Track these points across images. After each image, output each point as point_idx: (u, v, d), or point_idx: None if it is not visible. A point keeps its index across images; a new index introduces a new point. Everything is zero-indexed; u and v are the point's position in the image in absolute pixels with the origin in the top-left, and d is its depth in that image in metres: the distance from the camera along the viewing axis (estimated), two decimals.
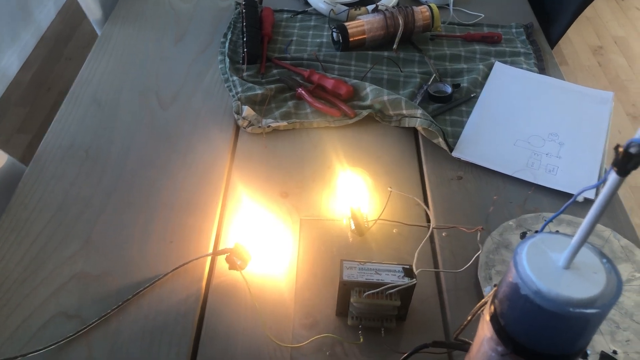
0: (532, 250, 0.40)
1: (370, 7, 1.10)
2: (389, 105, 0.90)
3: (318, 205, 0.78)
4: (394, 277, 0.61)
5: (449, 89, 0.94)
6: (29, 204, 0.77)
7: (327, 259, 0.71)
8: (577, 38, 2.54)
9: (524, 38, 1.10)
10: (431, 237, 0.75)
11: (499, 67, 1.01)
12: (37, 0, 2.36)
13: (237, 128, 0.90)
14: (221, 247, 0.71)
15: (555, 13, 1.27)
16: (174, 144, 0.86)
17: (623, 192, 1.89)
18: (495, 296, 0.43)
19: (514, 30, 1.12)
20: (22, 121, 2.09)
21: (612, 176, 0.35)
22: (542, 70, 1.02)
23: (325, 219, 0.76)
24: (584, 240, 0.38)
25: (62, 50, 2.35)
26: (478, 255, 0.70)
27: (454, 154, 0.85)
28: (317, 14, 1.14)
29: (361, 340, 0.62)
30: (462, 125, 0.90)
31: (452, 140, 0.87)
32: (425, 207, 0.78)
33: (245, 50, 1.00)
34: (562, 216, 0.76)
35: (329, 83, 0.94)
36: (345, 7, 1.10)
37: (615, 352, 0.62)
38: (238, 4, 1.14)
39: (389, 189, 0.79)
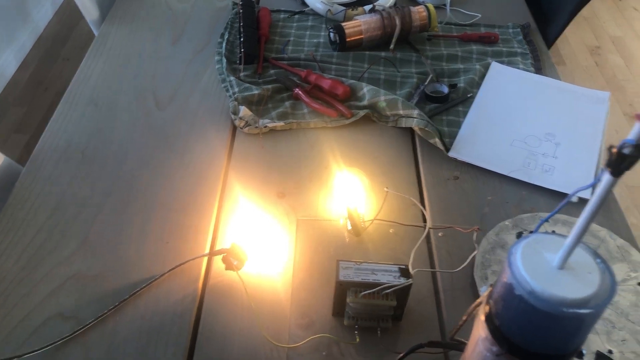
0: (527, 250, 0.40)
1: (368, 8, 1.10)
2: (385, 105, 0.90)
3: (315, 206, 0.78)
4: (390, 277, 0.61)
5: (446, 89, 0.95)
6: (26, 204, 0.77)
7: (323, 259, 0.71)
8: (574, 38, 2.55)
9: (520, 38, 1.10)
10: (427, 237, 0.75)
11: (495, 67, 1.01)
12: (34, 0, 2.36)
13: (234, 128, 0.90)
14: (218, 247, 0.71)
15: (552, 13, 1.27)
16: (171, 144, 0.86)
17: (619, 192, 1.89)
18: (490, 296, 0.44)
19: (510, 30, 1.12)
20: (19, 121, 2.09)
21: (606, 177, 0.35)
22: (538, 70, 1.02)
23: (322, 219, 0.76)
24: (578, 241, 0.38)
25: (60, 51, 2.35)
26: (474, 255, 0.70)
27: (451, 154, 0.85)
28: (315, 14, 1.14)
29: (357, 340, 0.62)
30: (458, 125, 0.90)
31: (448, 140, 0.87)
32: (421, 207, 0.78)
33: (242, 50, 1.00)
34: (558, 216, 0.76)
35: (326, 83, 0.94)
36: (343, 8, 1.10)
37: (610, 351, 0.62)
38: (235, 4, 1.14)
39: (385, 189, 0.80)
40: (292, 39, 1.08)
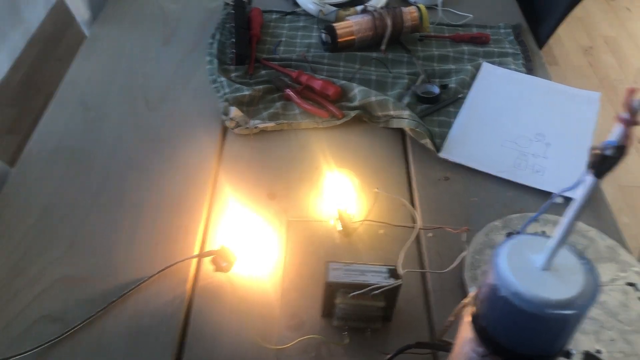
0: (512, 251, 0.40)
1: (359, 8, 1.10)
2: (376, 106, 0.90)
3: (305, 207, 0.78)
4: (379, 278, 0.61)
5: (437, 90, 0.95)
6: (14, 205, 0.76)
7: (313, 260, 0.71)
8: (568, 38, 2.56)
9: (512, 38, 1.10)
10: (417, 237, 0.75)
11: (486, 68, 1.01)
12: (26, 0, 2.35)
13: (225, 129, 0.89)
14: (207, 248, 0.71)
15: (544, 13, 1.28)
16: (161, 145, 0.86)
17: (613, 192, 1.90)
18: (476, 297, 0.44)
19: (502, 30, 1.12)
20: (11, 122, 2.08)
21: (589, 178, 0.35)
22: (530, 70, 1.03)
23: (312, 220, 0.76)
24: (561, 242, 0.38)
25: (53, 51, 2.34)
26: (464, 256, 0.70)
27: (441, 154, 0.85)
28: (306, 14, 1.14)
29: (347, 341, 0.62)
30: (449, 126, 0.90)
31: (439, 141, 0.87)
32: (411, 208, 0.78)
33: (233, 51, 1.00)
34: (549, 217, 0.76)
35: (317, 84, 0.94)
36: (334, 8, 1.10)
37: (599, 351, 0.63)
38: (227, 4, 1.14)
39: (375, 190, 0.79)
40: (283, 39, 1.08)
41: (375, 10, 1.05)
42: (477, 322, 0.43)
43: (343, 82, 0.95)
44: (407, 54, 1.04)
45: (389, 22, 1.02)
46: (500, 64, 1.02)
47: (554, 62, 2.39)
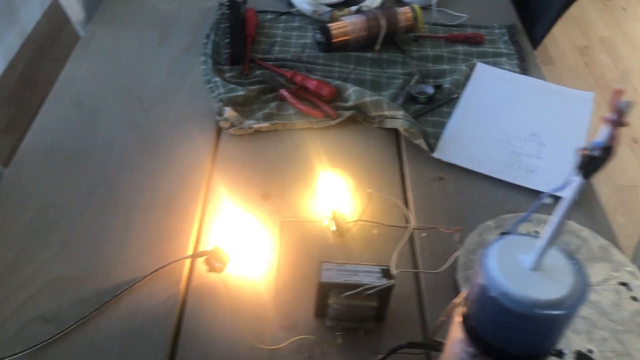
0: (501, 252, 0.40)
1: (354, 9, 1.10)
2: (370, 106, 0.90)
3: (299, 207, 0.78)
4: (372, 278, 0.61)
5: (431, 90, 0.95)
6: (7, 206, 0.76)
7: (307, 261, 0.71)
8: (563, 38, 2.56)
9: (506, 39, 1.10)
10: (411, 237, 0.75)
11: (481, 68, 1.01)
12: (21, 0, 2.34)
13: (219, 129, 0.89)
14: (201, 249, 0.71)
15: (538, 13, 1.28)
16: (155, 145, 0.86)
17: (608, 192, 1.90)
18: (466, 298, 0.44)
19: (496, 31, 1.12)
20: (7, 122, 2.07)
21: (576, 179, 0.35)
22: (524, 70, 1.03)
23: (306, 220, 0.76)
24: (550, 243, 0.38)
25: (49, 51, 2.34)
26: (457, 256, 0.70)
27: (435, 154, 0.85)
28: (301, 15, 1.14)
29: (340, 341, 0.63)
30: (443, 126, 0.90)
31: (433, 141, 0.88)
32: (404, 208, 0.78)
33: (228, 51, 1.00)
34: (542, 217, 0.77)
35: (311, 84, 0.94)
36: (329, 8, 1.11)
37: (591, 351, 0.63)
38: (222, 4, 1.14)
39: (368, 190, 0.80)
40: (278, 39, 1.08)
41: (369, 11, 1.05)
42: (468, 322, 0.43)
43: (337, 82, 0.95)
44: (401, 54, 1.04)
45: (383, 22, 1.03)
46: (494, 64, 1.03)
47: (550, 61, 2.40)
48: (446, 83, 0.97)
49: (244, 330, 0.64)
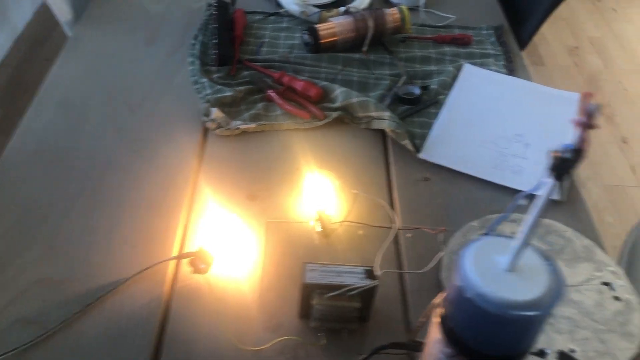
0: (478, 253, 0.41)
1: (342, 9, 1.10)
2: (357, 107, 0.90)
3: (285, 208, 0.78)
4: (355, 279, 0.61)
5: (418, 91, 0.95)
6: None
7: (292, 261, 0.71)
8: (553, 38, 2.57)
9: (494, 40, 1.11)
10: (396, 238, 0.75)
11: (468, 69, 1.02)
12: (12, 0, 2.33)
13: (206, 130, 0.89)
14: (187, 250, 0.71)
15: (526, 13, 1.29)
16: (141, 147, 0.86)
17: (597, 192, 1.92)
18: (445, 298, 0.44)
19: (484, 32, 1.13)
20: None
21: (548, 180, 0.35)
22: (511, 71, 1.03)
23: (291, 221, 0.76)
24: (524, 244, 0.38)
25: (39, 52, 2.32)
26: (441, 256, 0.71)
27: (421, 155, 0.86)
28: (290, 15, 1.14)
29: (324, 342, 0.63)
30: (430, 127, 0.90)
31: (419, 142, 0.88)
32: (389, 208, 0.79)
33: (216, 51, 1.00)
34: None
35: (299, 85, 0.94)
36: (317, 9, 1.11)
37: (573, 350, 0.63)
38: (210, 5, 1.14)
39: (353, 191, 0.80)
40: (266, 40, 1.08)
41: (357, 12, 1.05)
42: (445, 323, 0.43)
43: (325, 83, 0.95)
44: (389, 55, 1.05)
45: (371, 23, 1.03)
46: (481, 65, 1.03)
47: (540, 62, 2.41)
48: (433, 84, 0.98)
49: (228, 332, 0.64)
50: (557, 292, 0.39)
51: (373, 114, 0.90)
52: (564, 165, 0.33)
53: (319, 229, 0.74)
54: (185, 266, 0.69)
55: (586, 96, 0.30)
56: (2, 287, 0.67)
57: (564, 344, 0.64)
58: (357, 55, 1.03)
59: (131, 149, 0.85)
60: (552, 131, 0.91)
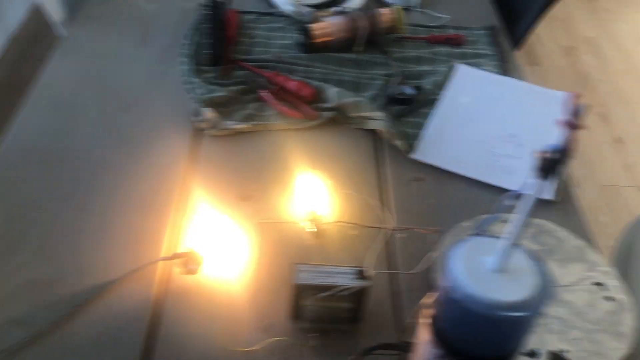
0: (466, 253, 0.41)
1: (336, 10, 1.10)
2: (351, 107, 0.90)
3: (277, 208, 0.78)
4: (346, 280, 0.61)
5: (411, 91, 0.95)
6: None
7: (284, 262, 0.71)
8: (549, 39, 2.58)
9: (487, 40, 1.11)
10: (389, 238, 0.75)
11: (461, 69, 1.01)
12: None
13: (199, 131, 0.89)
14: (177, 251, 0.71)
15: (520, 13, 1.29)
16: (133, 147, 0.85)
17: (592, 191, 1.92)
18: (434, 299, 0.44)
19: (478, 32, 1.13)
20: None
21: (534, 181, 0.35)
22: (504, 72, 1.03)
23: (283, 221, 0.76)
24: (512, 244, 0.38)
25: (33, 51, 2.32)
26: (433, 257, 0.70)
27: (414, 155, 0.86)
28: (283, 15, 1.13)
29: (315, 343, 0.62)
30: (422, 127, 0.90)
31: (412, 142, 0.88)
32: (381, 209, 0.78)
33: (208, 51, 0.99)
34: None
35: (292, 85, 0.94)
36: (311, 9, 1.10)
37: (564, 351, 0.63)
38: (203, 5, 1.14)
39: (346, 191, 0.80)
40: (260, 40, 1.07)
41: (351, 12, 1.05)
42: (434, 324, 0.43)
43: (318, 83, 0.95)
44: (382, 55, 1.05)
45: (364, 23, 1.03)
46: (475, 65, 1.03)
47: (536, 62, 2.41)
48: (426, 84, 0.97)
49: (219, 333, 0.64)
50: (545, 292, 0.39)
51: (366, 114, 0.89)
52: (550, 166, 0.33)
53: (311, 229, 0.74)
54: (175, 267, 0.69)
55: (573, 97, 0.30)
56: None
57: (555, 344, 0.64)
58: (350, 55, 1.03)
59: (123, 149, 0.85)
60: (546, 131, 0.91)
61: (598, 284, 0.70)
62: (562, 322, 0.66)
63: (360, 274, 0.62)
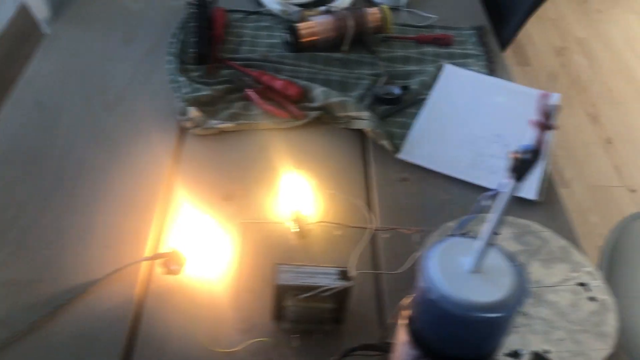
0: (443, 254, 0.40)
1: (323, 9, 1.10)
2: (337, 106, 0.90)
3: (261, 208, 0.77)
4: (329, 280, 0.61)
5: (398, 91, 0.95)
6: None
7: (267, 262, 0.70)
8: (540, 39, 2.59)
9: (475, 40, 1.11)
10: (373, 239, 0.75)
11: (448, 69, 1.01)
12: None
13: (183, 130, 0.88)
14: (160, 251, 0.70)
15: (509, 14, 1.29)
16: (116, 146, 0.85)
17: (582, 192, 1.92)
18: (412, 300, 0.44)
19: (466, 32, 1.13)
20: None
21: (509, 182, 0.35)
22: (492, 72, 1.03)
23: (266, 221, 0.75)
24: (487, 245, 0.38)
25: (22, 49, 2.30)
26: (417, 257, 0.70)
27: (400, 156, 0.85)
28: (270, 14, 1.13)
29: (297, 343, 0.62)
30: (409, 127, 0.90)
31: (399, 142, 0.88)
32: (366, 209, 0.78)
33: (194, 50, 0.99)
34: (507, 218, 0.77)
35: (278, 84, 0.93)
36: (298, 8, 1.10)
37: (547, 351, 0.63)
38: (190, 3, 1.13)
39: (330, 191, 0.79)
40: (247, 39, 1.07)
41: (338, 11, 1.05)
42: (411, 324, 0.43)
43: (305, 82, 0.95)
44: (370, 55, 1.04)
45: (351, 23, 1.02)
46: (462, 66, 1.03)
47: (526, 62, 2.42)
48: (413, 84, 0.97)
49: (201, 333, 0.63)
50: (521, 293, 0.38)
51: (352, 113, 0.89)
52: (523, 166, 0.33)
53: (295, 229, 0.74)
54: (157, 267, 0.68)
55: (544, 96, 0.30)
56: None
57: (539, 345, 0.64)
58: (337, 55, 1.02)
59: (106, 148, 0.84)
60: (532, 132, 0.91)
61: (582, 284, 0.70)
62: (546, 322, 0.66)
63: (343, 275, 0.61)
